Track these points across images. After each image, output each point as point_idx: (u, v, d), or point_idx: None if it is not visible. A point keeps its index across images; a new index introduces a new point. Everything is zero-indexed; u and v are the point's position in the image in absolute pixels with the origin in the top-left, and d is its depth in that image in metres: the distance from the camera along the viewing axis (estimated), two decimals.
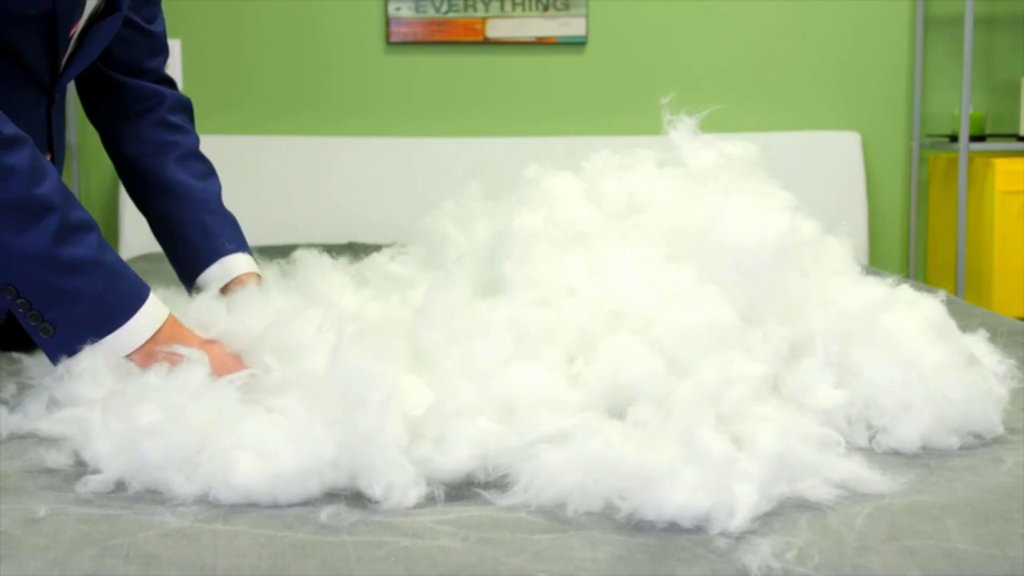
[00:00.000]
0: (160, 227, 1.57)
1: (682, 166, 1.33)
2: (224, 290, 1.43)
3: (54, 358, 1.17)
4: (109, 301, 1.16)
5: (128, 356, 1.18)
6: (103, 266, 1.17)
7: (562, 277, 1.19)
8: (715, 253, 1.18)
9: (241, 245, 1.53)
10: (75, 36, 1.37)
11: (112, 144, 1.58)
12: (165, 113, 1.57)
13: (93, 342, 1.16)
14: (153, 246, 3.19)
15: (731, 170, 1.29)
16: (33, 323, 1.15)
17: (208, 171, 1.60)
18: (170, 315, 1.21)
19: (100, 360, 1.16)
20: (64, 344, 1.16)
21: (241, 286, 1.43)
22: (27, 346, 1.47)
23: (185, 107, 1.61)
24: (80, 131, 3.33)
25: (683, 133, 1.34)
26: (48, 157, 1.44)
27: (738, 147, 1.33)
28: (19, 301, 1.14)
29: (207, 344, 1.21)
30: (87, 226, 1.17)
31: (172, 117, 1.58)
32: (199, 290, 1.45)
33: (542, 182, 1.34)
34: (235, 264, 1.50)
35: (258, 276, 1.50)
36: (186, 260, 1.53)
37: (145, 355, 1.18)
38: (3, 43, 1.30)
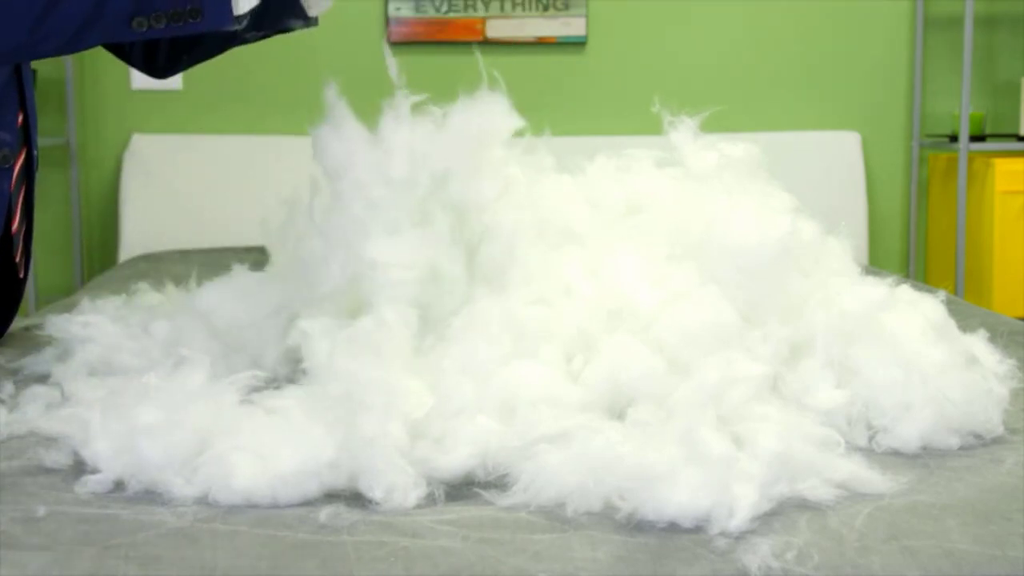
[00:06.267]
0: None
1: (682, 167, 1.33)
2: None
3: (228, 22, 1.16)
4: None
5: None
6: None
7: (557, 276, 1.19)
8: (716, 254, 1.18)
9: None
10: None
11: None
12: None
13: None
14: (152, 246, 3.22)
15: (732, 171, 1.29)
16: (182, 22, 1.15)
17: None
18: None
19: None
20: (217, 2, 1.15)
21: None
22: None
23: None
24: (80, 131, 3.33)
25: (684, 134, 1.34)
26: (20, 116, 1.44)
27: (739, 148, 1.33)
28: (153, 20, 1.15)
29: None
30: None
31: None
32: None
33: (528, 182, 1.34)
34: None
35: None
36: None
37: None
38: None
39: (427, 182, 1.22)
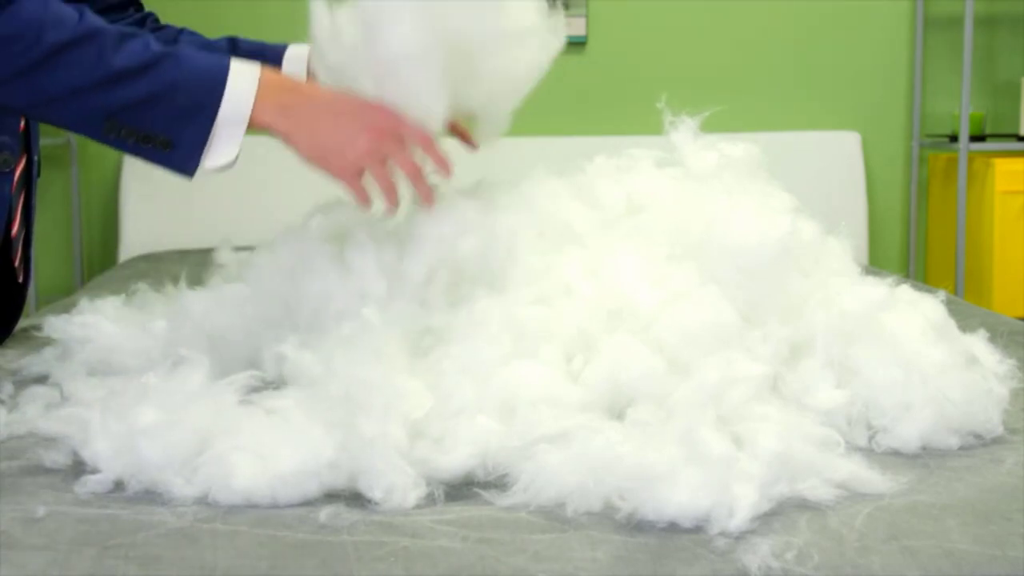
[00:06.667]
0: None
1: (683, 167, 1.33)
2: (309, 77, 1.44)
3: (191, 168, 1.16)
4: (198, 77, 1.14)
5: (256, 124, 1.16)
6: (172, 55, 1.15)
7: (557, 276, 1.19)
8: (716, 254, 1.18)
9: (284, 44, 1.49)
10: None
11: None
12: (151, 24, 1.58)
13: (210, 125, 1.14)
14: (153, 246, 3.22)
15: (732, 171, 1.29)
16: (151, 146, 1.14)
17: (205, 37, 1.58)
18: (261, 64, 1.19)
19: (233, 142, 1.15)
20: (189, 145, 1.14)
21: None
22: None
23: (154, 15, 1.61)
24: None
25: (684, 134, 1.34)
26: (22, 121, 1.44)
27: (739, 148, 1.33)
28: (124, 131, 1.14)
29: (329, 91, 1.20)
30: (135, 34, 1.16)
31: (155, 24, 1.59)
32: None
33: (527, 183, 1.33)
34: (298, 51, 1.47)
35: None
36: None
37: (272, 110, 1.15)
38: None
39: (411, 288, 1.22)
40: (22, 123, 1.45)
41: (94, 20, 1.14)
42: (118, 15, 1.56)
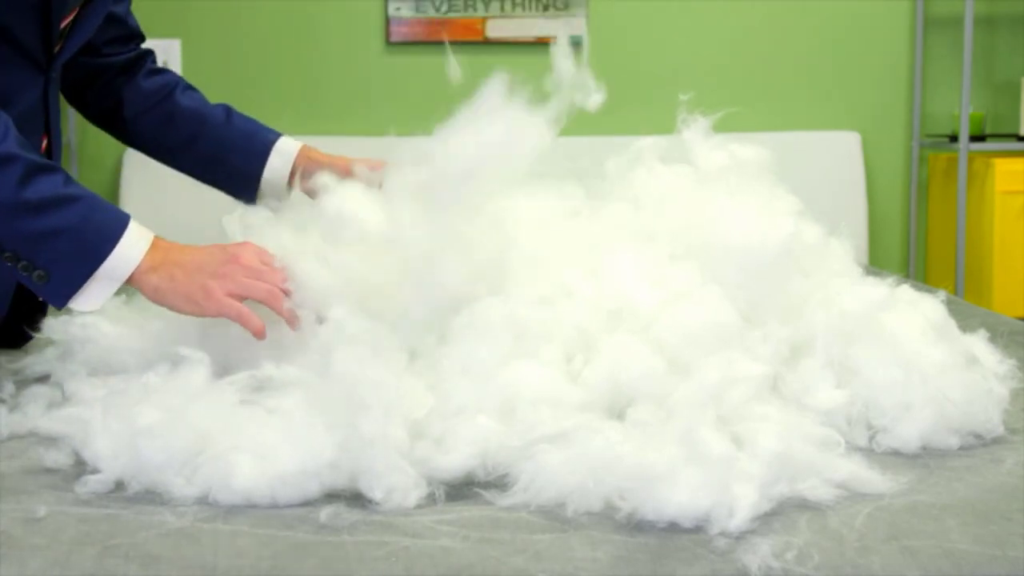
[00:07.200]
0: (198, 158, 1.59)
1: (691, 166, 1.33)
2: (292, 174, 1.52)
3: (58, 305, 1.18)
4: (92, 229, 1.17)
5: (132, 281, 1.18)
6: (76, 199, 1.17)
7: (557, 276, 1.19)
8: (718, 254, 1.18)
9: (277, 133, 1.57)
10: (69, 22, 1.38)
11: (116, 118, 1.60)
12: (150, 63, 1.61)
13: (88, 275, 1.16)
14: None
15: (738, 172, 1.29)
16: (27, 274, 1.16)
17: (204, 96, 1.63)
18: (155, 235, 1.22)
19: (105, 294, 1.18)
20: (63, 285, 1.16)
21: (308, 159, 1.52)
22: (21, 342, 1.47)
23: (153, 55, 1.65)
24: (79, 131, 3.32)
25: (695, 134, 1.34)
26: (44, 141, 1.45)
27: (749, 150, 1.33)
28: (6, 255, 1.15)
29: (214, 246, 1.22)
30: (51, 168, 1.17)
31: (154, 65, 1.62)
32: (265, 194, 1.50)
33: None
34: (288, 145, 1.55)
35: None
36: (242, 170, 1.54)
37: (146, 271, 1.18)
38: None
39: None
40: (44, 143, 1.45)
41: (14, 145, 1.16)
42: (121, 48, 1.58)
